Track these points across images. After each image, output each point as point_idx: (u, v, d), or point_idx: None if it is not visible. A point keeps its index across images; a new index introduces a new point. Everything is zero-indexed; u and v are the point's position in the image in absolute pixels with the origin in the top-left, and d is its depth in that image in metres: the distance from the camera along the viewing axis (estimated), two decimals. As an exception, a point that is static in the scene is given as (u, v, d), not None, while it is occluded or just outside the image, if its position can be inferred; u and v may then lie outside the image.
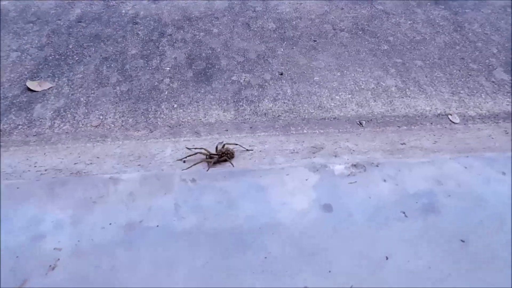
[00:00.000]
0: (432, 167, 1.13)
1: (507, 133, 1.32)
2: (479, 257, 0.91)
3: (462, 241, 0.94)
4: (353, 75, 1.54)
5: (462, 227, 0.97)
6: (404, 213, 0.99)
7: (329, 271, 0.88)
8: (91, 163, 1.18)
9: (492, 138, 1.30)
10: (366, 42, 1.71)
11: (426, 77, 1.54)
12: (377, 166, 1.12)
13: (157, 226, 0.95)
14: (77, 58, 1.60)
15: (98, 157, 1.21)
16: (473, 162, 1.14)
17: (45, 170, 1.16)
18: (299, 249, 0.92)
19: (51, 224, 0.96)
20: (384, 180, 1.07)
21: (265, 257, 0.90)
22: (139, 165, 1.17)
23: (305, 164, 1.13)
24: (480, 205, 1.02)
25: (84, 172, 1.15)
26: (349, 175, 1.09)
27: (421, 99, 1.45)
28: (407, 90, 1.48)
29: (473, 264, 0.89)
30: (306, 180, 1.07)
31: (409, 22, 1.84)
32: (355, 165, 1.12)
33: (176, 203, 1.00)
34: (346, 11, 1.91)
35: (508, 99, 1.46)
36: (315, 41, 1.71)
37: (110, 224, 0.96)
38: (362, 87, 1.49)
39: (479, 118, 1.39)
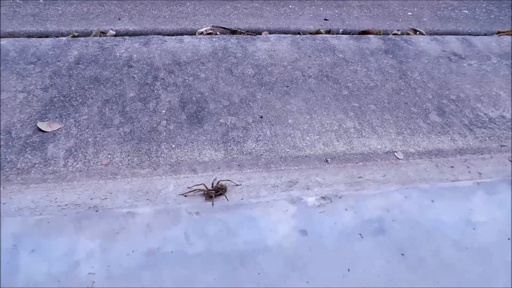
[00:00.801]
0: (381, 197, 1.46)
1: (437, 166, 1.70)
2: (414, 265, 1.24)
3: (402, 254, 1.27)
4: (320, 118, 1.87)
5: (402, 244, 1.30)
6: (360, 234, 1.31)
7: (307, 282, 1.17)
8: (105, 198, 1.40)
9: (427, 171, 1.67)
10: (330, 88, 2.06)
11: (377, 119, 1.90)
12: (340, 197, 1.44)
13: (172, 252, 1.20)
14: (80, 100, 1.80)
15: (111, 193, 1.43)
16: (411, 192, 1.49)
17: (65, 205, 1.36)
18: (284, 265, 1.20)
19: (84, 253, 1.18)
20: (346, 209, 1.39)
21: (259, 273, 1.17)
22: (147, 199, 1.41)
23: (284, 197, 1.43)
24: (415, 226, 1.36)
25: (101, 207, 1.37)
26: (319, 205, 1.40)
27: (374, 138, 1.80)
28: (363, 131, 1.83)
29: (410, 271, 1.22)
30: (286, 211, 1.36)
31: (364, 69, 2.22)
32: (323, 197, 1.43)
33: (185, 232, 1.26)
34: (313, 58, 2.26)
35: (439, 138, 1.85)
36: (287, 86, 2.03)
37: (133, 251, 1.19)
38: (327, 128, 1.82)
39: (417, 155, 1.76)
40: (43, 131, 1.64)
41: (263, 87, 2.00)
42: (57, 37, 2.24)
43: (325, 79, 2.11)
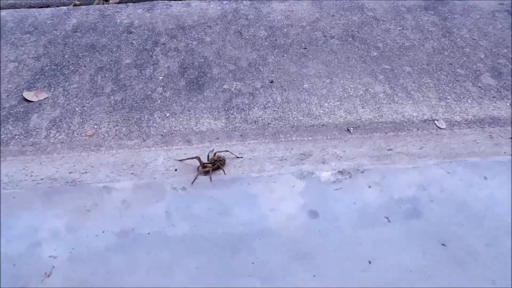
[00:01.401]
0: (416, 173, 1.16)
1: (492, 137, 1.36)
2: (459, 259, 0.94)
3: (443, 244, 0.97)
4: (342, 82, 1.58)
5: (443, 231, 1.00)
6: (387, 218, 1.03)
7: (314, 275, 0.91)
8: (85, 172, 1.22)
9: (477, 143, 1.33)
10: (356, 49, 1.75)
11: (414, 83, 1.57)
12: (362, 172, 1.15)
13: (149, 233, 0.99)
14: (72, 68, 1.64)
15: (92, 166, 1.24)
16: (456, 167, 1.18)
17: (41, 180, 1.19)
18: (286, 254, 0.95)
19: (47, 232, 0.99)
20: (369, 186, 1.11)
21: (253, 262, 0.93)
22: (132, 173, 1.21)
23: (292, 171, 1.17)
24: (461, 209, 1.05)
25: (79, 181, 1.18)
26: (334, 181, 1.12)
27: (409, 105, 1.48)
28: (395, 96, 1.52)
29: (453, 266, 0.93)
30: (293, 187, 1.10)
31: (399, 28, 1.88)
32: (341, 172, 1.16)
33: (167, 210, 1.04)
34: (337, 18, 1.94)
35: (493, 104, 1.49)
36: (305, 48, 1.74)
37: (104, 232, 0.99)
38: (351, 93, 1.53)
39: (465, 123, 1.42)
40: (29, 101, 1.48)
41: (276, 50, 1.73)
42: (58, 6, 2.10)
43: (351, 39, 1.80)
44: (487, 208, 1.05)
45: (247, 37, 1.81)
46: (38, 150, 1.32)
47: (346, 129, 1.38)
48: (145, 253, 0.95)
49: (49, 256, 0.95)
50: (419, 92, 1.54)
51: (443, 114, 1.46)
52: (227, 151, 1.25)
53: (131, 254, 0.95)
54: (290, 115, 1.43)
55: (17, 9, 2.05)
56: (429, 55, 1.72)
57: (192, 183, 1.11)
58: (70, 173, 1.22)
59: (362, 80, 1.59)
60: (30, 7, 2.15)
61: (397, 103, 1.49)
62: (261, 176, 1.13)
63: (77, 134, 1.37)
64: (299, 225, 1.01)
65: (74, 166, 1.25)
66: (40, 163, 1.26)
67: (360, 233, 1.00)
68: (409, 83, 1.58)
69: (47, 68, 1.64)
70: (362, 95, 1.52)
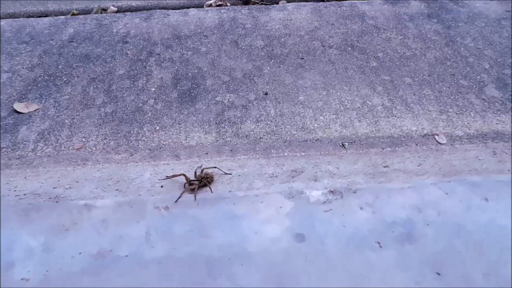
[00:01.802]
0: (412, 193, 1.10)
1: (495, 154, 1.28)
2: (454, 291, 0.88)
3: (438, 273, 0.91)
4: (339, 94, 1.52)
5: (438, 259, 0.94)
6: (379, 243, 0.97)
7: (297, 306, 0.86)
8: (70, 188, 1.19)
9: (479, 159, 1.26)
10: (355, 59, 1.69)
11: (414, 95, 1.51)
12: (354, 192, 1.09)
13: (126, 255, 0.95)
14: (65, 79, 1.62)
15: (77, 181, 1.21)
16: (456, 187, 1.11)
17: (24, 195, 1.16)
18: (269, 280, 0.90)
19: (22, 252, 0.96)
20: (361, 208, 1.05)
21: (232, 290, 0.88)
22: (117, 189, 1.17)
23: (281, 190, 1.12)
24: (459, 234, 0.98)
25: (62, 197, 1.15)
26: (325, 202, 1.07)
27: (408, 118, 1.42)
28: (393, 109, 1.45)
29: (447, 299, 0.86)
30: (280, 207, 1.05)
31: (400, 37, 1.82)
32: (332, 192, 1.10)
33: (147, 231, 1.00)
34: (337, 26, 1.89)
35: (498, 117, 1.42)
36: (302, 58, 1.70)
37: (80, 253, 0.96)
38: (348, 106, 1.47)
39: (466, 138, 1.35)
40: (19, 113, 1.47)
41: (273, 60, 1.69)
42: (56, 16, 2.10)
43: (350, 49, 1.75)
44: (487, 233, 0.98)
45: (243, 47, 1.77)
46: (24, 163, 1.29)
47: (341, 144, 1.33)
48: (120, 277, 0.91)
49: (21, 279, 0.91)
50: (419, 104, 1.47)
51: (443, 128, 1.39)
52: (215, 167, 1.21)
53: (106, 277, 0.91)
54: (283, 129, 1.38)
55: (16, 19, 2.05)
56: (431, 65, 1.65)
57: (176, 201, 1.07)
58: (54, 188, 1.19)
59: (360, 92, 1.53)
60: (29, 16, 2.15)
61: (395, 116, 1.43)
62: (248, 196, 1.08)
63: (65, 147, 1.34)
64: (284, 249, 0.96)
65: (59, 181, 1.22)
66: (25, 177, 1.24)
67: (349, 258, 0.94)
68: (409, 95, 1.51)
69: (40, 78, 1.63)
70: (359, 107, 1.46)
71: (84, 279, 0.91)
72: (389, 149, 1.31)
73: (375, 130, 1.38)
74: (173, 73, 1.63)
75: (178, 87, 1.56)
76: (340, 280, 0.90)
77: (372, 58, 1.70)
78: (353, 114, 1.44)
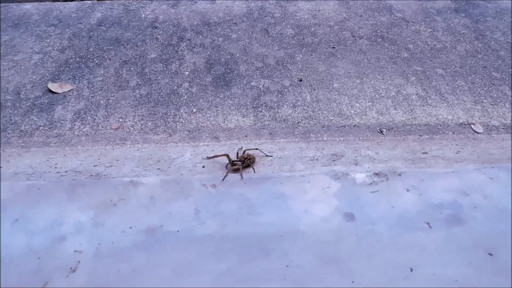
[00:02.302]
0: (455, 177, 1.10)
1: (533, 144, 1.29)
2: (508, 271, 0.88)
3: (490, 254, 0.91)
4: (373, 82, 1.53)
5: (489, 240, 0.94)
6: (428, 223, 0.97)
7: (352, 281, 0.86)
8: (110, 166, 1.19)
9: (517, 149, 1.27)
10: (386, 50, 1.70)
11: (447, 85, 1.52)
12: (399, 175, 1.10)
13: (177, 231, 0.95)
14: (97, 61, 1.61)
15: (117, 160, 1.21)
16: (499, 173, 1.11)
17: (65, 172, 1.16)
18: (322, 257, 0.90)
19: (72, 226, 0.96)
20: (407, 190, 1.05)
21: (287, 265, 0.88)
22: (158, 169, 1.17)
23: (326, 171, 1.12)
24: (508, 217, 0.99)
25: (104, 175, 1.15)
26: (371, 183, 1.07)
27: (443, 108, 1.42)
28: (428, 98, 1.46)
29: (502, 278, 0.87)
30: (328, 188, 1.05)
31: (429, 30, 1.82)
32: (377, 174, 1.10)
33: (196, 208, 1.00)
34: (365, 18, 1.90)
35: (532, 109, 1.43)
36: (333, 47, 1.70)
37: (131, 227, 0.96)
38: (382, 94, 1.47)
39: (503, 128, 1.36)
40: (54, 93, 1.46)
41: (304, 49, 1.69)
42: (82, 0, 2.09)
43: (380, 40, 1.75)
44: (535, 217, 0.99)
45: (273, 35, 1.77)
46: (62, 142, 1.29)
47: (378, 130, 1.33)
48: (173, 251, 0.91)
49: (75, 251, 0.91)
50: (453, 95, 1.48)
51: (479, 118, 1.39)
52: (256, 149, 1.21)
53: (159, 252, 0.91)
54: (320, 115, 1.38)
55: (42, 2, 2.04)
56: (462, 57, 1.66)
57: (222, 180, 1.07)
58: (94, 166, 1.19)
59: (393, 81, 1.53)
60: (54, 0, 2.14)
61: (430, 105, 1.43)
62: (293, 176, 1.08)
63: (102, 127, 1.34)
64: (334, 227, 0.96)
65: (99, 159, 1.21)
66: (64, 155, 1.23)
67: (400, 238, 0.94)
68: (442, 85, 1.52)
69: (71, 60, 1.62)
70: (394, 96, 1.47)
71: (137, 253, 0.91)
72: (426, 136, 1.32)
73: (411, 118, 1.38)
74: (205, 58, 1.63)
75: (212, 72, 1.56)
76: (393, 259, 0.90)
77: (403, 49, 1.70)
78: (388, 102, 1.44)
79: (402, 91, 1.49)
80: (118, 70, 1.57)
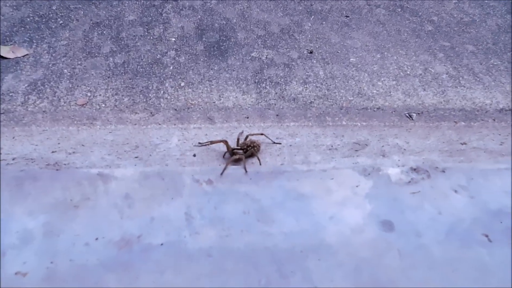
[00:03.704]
0: (510, 176, 0.89)
1: None
2: None
3: None
4: (395, 58, 1.29)
5: None
6: (487, 236, 0.76)
7: (399, 317, 0.64)
8: (74, 152, 0.92)
9: None
10: (407, 21, 1.46)
11: (480, 64, 1.30)
12: (443, 172, 0.88)
13: (161, 244, 0.70)
14: (61, 22, 1.31)
15: (83, 145, 0.94)
16: (559, 170, 0.91)
17: (13, 160, 0.89)
18: (355, 281, 0.68)
19: (15, 237, 0.70)
20: (455, 191, 0.83)
21: (311, 294, 0.66)
22: (136, 157, 0.91)
23: (350, 165, 0.89)
24: None
25: (64, 164, 0.88)
26: (409, 182, 0.85)
27: (479, 90, 1.21)
28: (460, 79, 1.24)
29: None
30: (357, 187, 0.82)
31: (454, 1, 1.59)
32: (415, 170, 0.88)
33: (187, 212, 0.75)
34: (380, -15, 1.64)
35: None
36: (347, 16, 1.45)
37: (97, 239, 0.70)
38: (408, 72, 1.24)
39: (548, 116, 1.15)
40: (3, 58, 1.16)
41: (313, 16, 1.43)
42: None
43: (399, 10, 1.51)
44: None
45: (276, -1, 1.50)
46: (12, 120, 1.00)
47: (407, 114, 1.11)
48: (155, 273, 0.66)
49: (16, 273, 0.65)
50: (488, 75, 1.26)
51: (520, 104, 1.19)
52: (261, 134, 0.96)
53: (136, 274, 0.66)
54: (337, 94, 1.14)
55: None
56: (493, 33, 1.44)
57: (221, 174, 0.82)
58: (53, 152, 0.91)
59: (419, 58, 1.30)
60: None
61: (464, 87, 1.21)
62: (313, 170, 0.84)
63: (64, 102, 1.06)
64: (369, 240, 0.73)
65: (59, 143, 0.94)
66: (13, 138, 0.95)
67: (454, 254, 0.73)
68: (475, 64, 1.30)
69: (28, 20, 1.31)
70: (421, 75, 1.24)
71: (105, 275, 0.66)
72: (463, 123, 1.10)
73: (444, 101, 1.16)
74: (196, 22, 1.35)
75: (204, 39, 1.28)
76: (446, 283, 0.69)
77: (426, 22, 1.47)
78: (415, 82, 1.21)
79: (430, 69, 1.26)
80: (87, 34, 1.27)
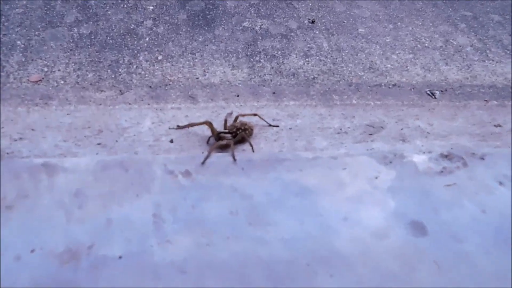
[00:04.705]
0: (561, 162, 0.72)
1: None
2: None
3: None
4: (410, 28, 1.11)
5: None
6: (546, 240, 0.59)
7: None
8: (20, 139, 0.73)
9: None
10: (421, -11, 1.28)
11: (509, 35, 1.12)
12: (482, 159, 0.70)
13: (120, 257, 0.52)
14: (19, -13, 1.11)
15: (33, 129, 0.76)
16: None
17: None
18: (380, 306, 0.50)
19: None
20: (500, 183, 0.66)
21: (321, 324, 0.48)
22: (99, 144, 0.73)
23: (366, 151, 0.71)
24: None
25: (7, 153, 0.70)
26: (441, 172, 0.67)
27: (510, 64, 1.03)
28: (487, 51, 1.06)
29: None
30: (376, 178, 0.64)
31: (472, -32, 1.40)
32: (446, 157, 0.70)
33: (156, 213, 0.57)
34: (389, -49, 1.45)
35: None
36: (353, -16, 1.26)
37: (33, 251, 0.52)
38: (426, 45, 1.06)
39: None
40: None
41: (314, -17, 1.24)
42: None
43: (413, -23, 1.32)
44: None
45: (272, -36, 1.31)
46: None
47: (428, 92, 0.93)
48: (111, 297, 0.48)
49: None
50: (519, 48, 1.09)
51: (558, 80, 1.01)
52: (255, 114, 0.78)
53: (84, 300, 0.48)
54: (344, 68, 0.96)
55: None
56: (520, 2, 1.26)
57: (202, 163, 0.64)
58: (-6, 138, 0.73)
59: (437, 29, 1.12)
60: None
61: (493, 60, 1.04)
62: (319, 158, 0.67)
63: (14, 78, 0.87)
64: (396, 248, 0.56)
65: (3, 128, 0.76)
66: None
67: (505, 265, 0.55)
68: (503, 35, 1.12)
69: (-19, -15, 1.11)
70: (442, 47, 1.06)
71: (40, 300, 0.48)
72: (495, 102, 0.93)
73: (470, 77, 0.99)
74: (178, -11, 1.16)
75: (187, 7, 1.09)
76: (499, 304, 0.52)
77: (443, -11, 1.28)
78: (435, 55, 1.03)
79: (452, 41, 1.08)
80: (49, 1, 1.08)
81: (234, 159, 0.65)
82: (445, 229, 0.59)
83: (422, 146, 0.78)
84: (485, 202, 0.63)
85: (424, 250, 0.56)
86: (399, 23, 1.13)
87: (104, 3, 1.08)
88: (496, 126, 0.87)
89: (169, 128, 0.76)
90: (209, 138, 0.74)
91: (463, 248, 0.57)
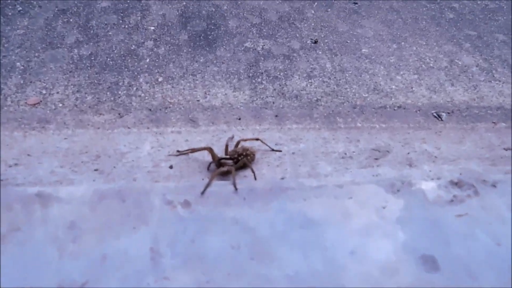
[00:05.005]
0: None
1: None
2: None
3: None
4: (415, 49, 1.10)
5: None
6: None
7: None
8: (16, 164, 0.71)
9: None
10: (424, 8, 1.27)
11: (515, 55, 1.10)
12: (493, 186, 0.67)
13: (115, 296, 0.49)
14: (20, 9, 1.11)
15: (29, 155, 0.73)
16: None
17: None
18: None
19: None
20: (514, 212, 0.63)
21: None
22: (96, 170, 0.70)
23: (372, 178, 0.68)
24: None
25: (3, 180, 0.68)
26: (452, 201, 0.64)
27: (517, 84, 1.01)
28: (494, 72, 1.04)
29: None
30: (383, 208, 0.62)
31: (475, -13, 1.40)
32: (456, 184, 0.68)
33: (154, 247, 0.54)
34: (391, -30, 1.45)
35: None
36: (355, 3, 1.25)
37: (23, 289, 0.49)
38: (431, 65, 1.05)
39: None
40: None
41: (316, 3, 1.24)
42: None
43: (415, -4, 1.32)
44: None
45: (274, -16, 1.31)
46: None
47: (435, 114, 0.91)
48: None
49: None
50: (525, 68, 1.07)
51: None
52: (257, 139, 0.76)
53: None
54: (348, 90, 0.94)
55: None
56: (524, 21, 1.25)
57: (202, 193, 0.62)
58: (-12, 164, 0.71)
59: (442, 48, 1.11)
60: None
61: (499, 81, 1.02)
62: (324, 187, 0.64)
63: (12, 101, 0.85)
64: (407, 283, 0.53)
65: (-2, 153, 0.74)
66: None
67: (523, 305, 0.52)
68: (508, 55, 1.11)
69: (-18, 6, 1.11)
70: (447, 67, 1.04)
71: None
72: (503, 124, 0.90)
73: (477, 98, 0.97)
74: (180, 9, 1.15)
75: (188, 28, 1.08)
76: None
77: (446, 9, 1.28)
78: (441, 75, 1.02)
79: (457, 60, 1.07)
80: (50, 22, 1.07)
81: (236, 188, 0.63)
82: (458, 263, 0.56)
83: (430, 171, 0.75)
84: (500, 234, 0.60)
85: (437, 286, 0.53)
86: (402, 43, 1.11)
87: (105, 24, 1.08)
88: (505, 149, 0.84)
89: (169, 154, 0.74)
90: (210, 164, 0.71)
91: (478, 285, 0.53)
